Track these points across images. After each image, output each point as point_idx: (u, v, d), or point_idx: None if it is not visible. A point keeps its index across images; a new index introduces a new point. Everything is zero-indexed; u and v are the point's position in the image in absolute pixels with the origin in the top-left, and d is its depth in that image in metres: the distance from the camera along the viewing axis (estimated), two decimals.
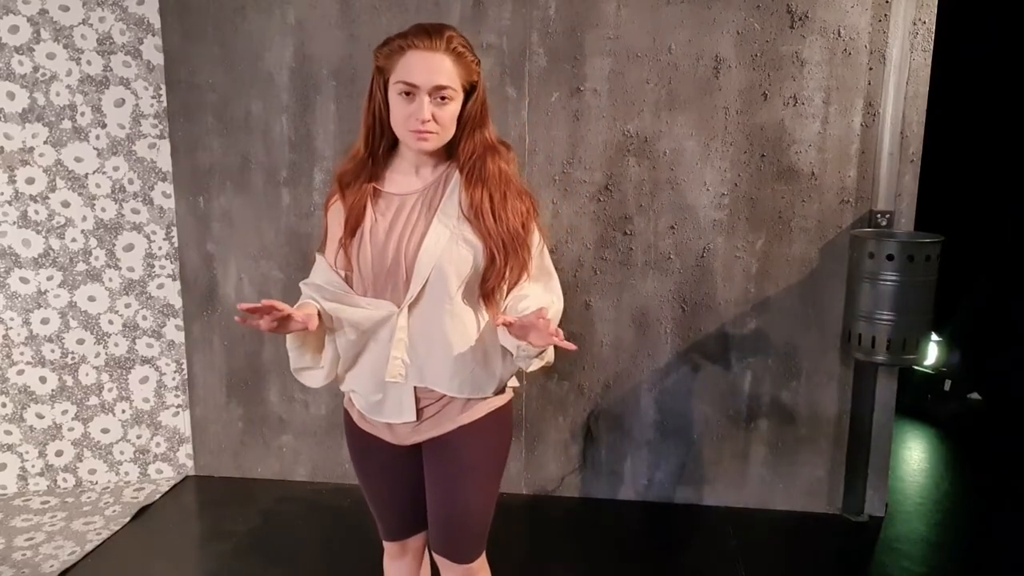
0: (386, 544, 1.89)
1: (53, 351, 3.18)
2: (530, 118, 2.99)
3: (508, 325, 1.50)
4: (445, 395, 1.65)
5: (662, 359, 3.10)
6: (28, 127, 3.03)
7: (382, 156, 1.66)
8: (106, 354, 3.24)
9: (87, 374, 3.23)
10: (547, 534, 2.99)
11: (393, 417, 1.67)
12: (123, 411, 3.30)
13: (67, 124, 3.06)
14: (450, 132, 1.59)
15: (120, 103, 3.10)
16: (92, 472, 3.30)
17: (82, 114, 3.07)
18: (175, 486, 3.32)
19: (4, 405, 3.17)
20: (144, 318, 3.25)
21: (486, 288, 1.63)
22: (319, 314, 1.61)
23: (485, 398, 1.68)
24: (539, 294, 1.66)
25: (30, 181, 3.06)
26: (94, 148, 3.10)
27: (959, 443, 3.93)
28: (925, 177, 2.91)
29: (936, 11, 2.77)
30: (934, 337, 4.14)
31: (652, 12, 2.87)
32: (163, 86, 3.13)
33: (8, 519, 3.02)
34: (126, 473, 3.34)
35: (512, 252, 1.61)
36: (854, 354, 2.87)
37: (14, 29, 2.95)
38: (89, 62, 3.04)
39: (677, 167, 2.96)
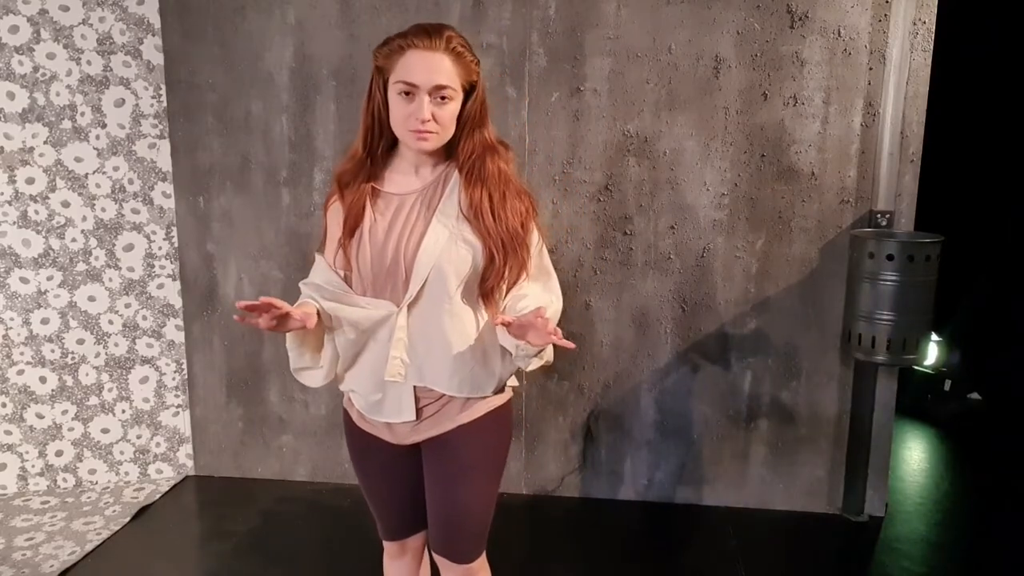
0: (386, 544, 1.89)
1: (53, 351, 3.18)
2: (530, 118, 2.99)
3: (507, 324, 1.50)
4: (444, 394, 1.66)
5: (662, 359, 3.10)
6: (28, 127, 3.03)
7: (381, 156, 1.66)
8: (106, 354, 3.24)
9: (87, 374, 3.23)
10: (547, 534, 2.99)
11: (392, 416, 1.67)
12: (123, 411, 3.30)
13: (67, 124, 3.06)
14: (449, 132, 1.59)
15: (120, 103, 3.10)
16: (92, 472, 3.30)
17: (82, 114, 3.07)
18: (175, 486, 3.32)
19: (4, 405, 3.17)
20: (144, 318, 3.25)
21: (485, 288, 1.63)
22: (318, 313, 1.61)
23: (484, 397, 1.68)
24: (538, 293, 1.66)
25: (30, 181, 3.06)
26: (94, 148, 3.10)
27: (959, 443, 3.93)
28: (925, 177, 2.91)
29: (936, 11, 2.77)
30: (934, 337, 4.14)
31: (652, 12, 2.87)
32: (163, 86, 3.13)
33: (8, 519, 3.02)
34: (126, 473, 3.34)
35: (511, 252, 1.61)
36: (854, 354, 2.87)
37: (14, 29, 2.95)
38: (89, 62, 3.05)
39: (677, 167, 2.96)
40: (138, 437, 3.33)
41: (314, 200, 3.13)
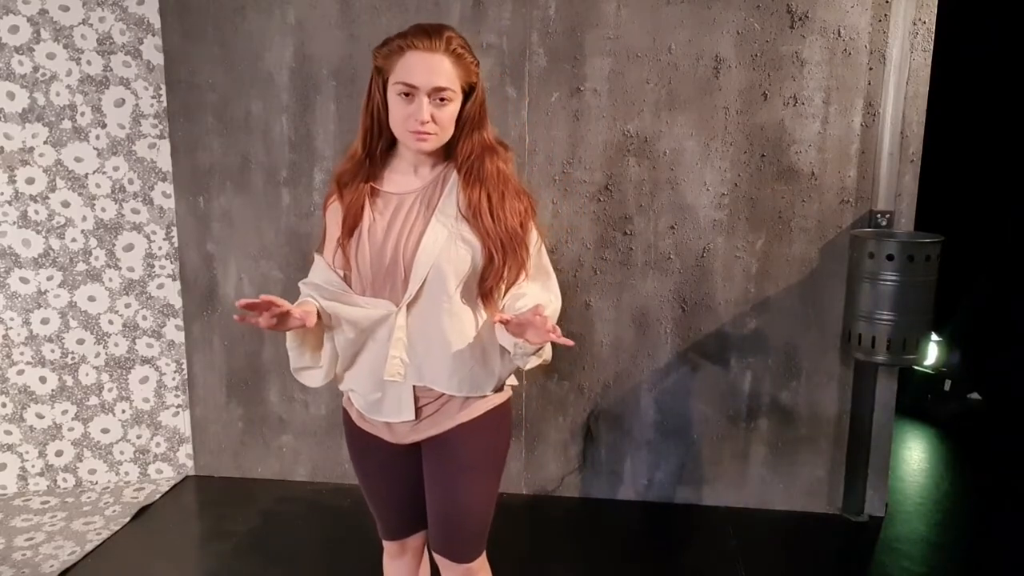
0: (385, 543, 1.89)
1: (53, 351, 3.18)
2: (530, 118, 2.99)
3: (505, 323, 1.50)
4: (444, 394, 1.66)
5: (662, 359, 3.10)
6: (28, 127, 3.03)
7: (380, 156, 1.66)
8: (106, 354, 3.24)
9: (87, 374, 3.23)
10: (547, 534, 2.99)
11: (392, 416, 1.67)
12: (123, 411, 3.30)
13: (67, 124, 3.06)
14: (449, 132, 1.60)
15: (120, 103, 3.10)
16: (92, 472, 3.30)
17: (82, 114, 3.07)
18: (175, 486, 3.32)
19: (4, 405, 3.17)
20: (144, 318, 3.25)
21: (484, 287, 1.63)
22: (318, 313, 1.61)
23: (483, 396, 1.68)
24: (537, 293, 1.67)
25: (30, 181, 3.07)
26: (94, 148, 3.10)
27: (959, 443, 3.93)
28: (925, 177, 2.91)
29: (936, 11, 2.77)
30: (934, 337, 4.14)
31: (652, 12, 2.87)
32: (163, 86, 3.13)
33: (8, 519, 3.02)
34: (126, 473, 3.34)
35: (510, 252, 1.61)
36: (854, 354, 2.87)
37: (14, 29, 2.95)
38: (89, 62, 3.05)
39: (677, 167, 2.96)
40: (138, 437, 3.33)
41: (314, 200, 3.13)
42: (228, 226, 3.21)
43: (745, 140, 2.92)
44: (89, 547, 2.81)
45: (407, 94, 1.53)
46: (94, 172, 3.12)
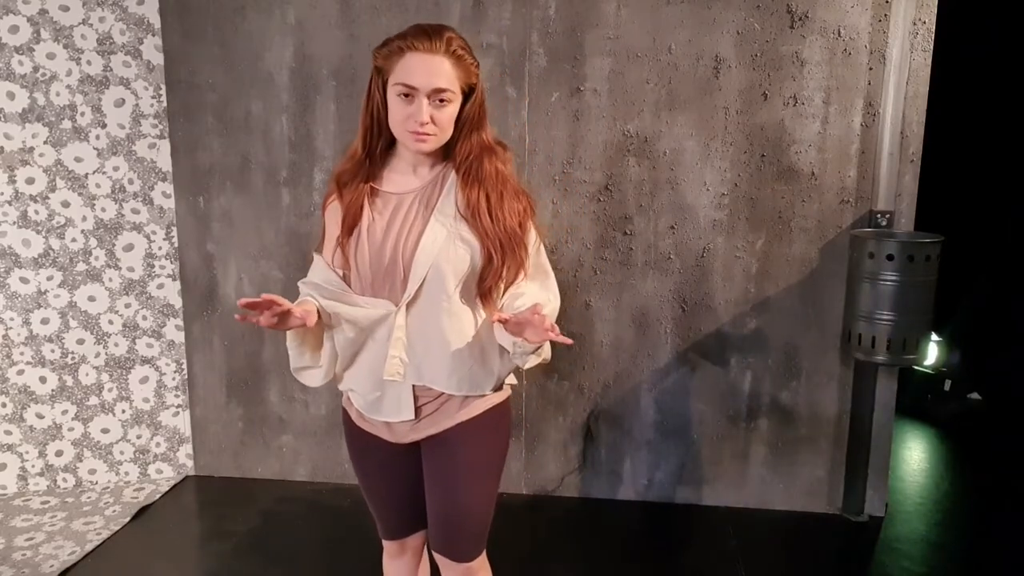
0: (385, 543, 1.89)
1: (53, 351, 3.18)
2: (530, 118, 2.99)
3: (504, 322, 1.50)
4: (443, 393, 1.66)
5: (662, 359, 3.10)
6: (28, 127, 3.03)
7: (380, 155, 1.66)
8: (106, 354, 3.24)
9: (87, 374, 3.23)
10: (547, 534, 2.99)
11: (392, 415, 1.68)
12: (123, 411, 3.30)
13: (67, 124, 3.06)
14: (448, 133, 1.60)
15: (120, 103, 3.10)
16: (92, 472, 3.30)
17: (82, 114, 3.07)
18: (175, 486, 3.32)
19: (4, 405, 3.17)
20: (144, 318, 3.25)
21: (483, 287, 1.63)
22: (318, 312, 1.61)
23: (483, 396, 1.69)
24: (535, 292, 1.67)
25: (30, 181, 3.07)
26: (94, 148, 3.10)
27: (959, 443, 3.93)
28: (925, 177, 2.91)
29: (936, 11, 2.77)
30: (934, 337, 4.14)
31: (652, 12, 2.87)
32: (163, 86, 3.13)
33: (8, 519, 3.02)
34: (126, 473, 3.34)
35: (509, 251, 1.61)
36: (854, 354, 2.87)
37: (14, 29, 2.95)
38: (89, 62, 3.05)
39: (677, 167, 2.96)
40: (138, 437, 3.33)
41: (314, 200, 3.13)
42: (228, 226, 3.21)
43: (745, 140, 2.92)
44: (89, 547, 2.81)
45: (407, 95, 1.53)
46: (94, 172, 3.12)
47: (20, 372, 3.16)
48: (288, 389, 3.30)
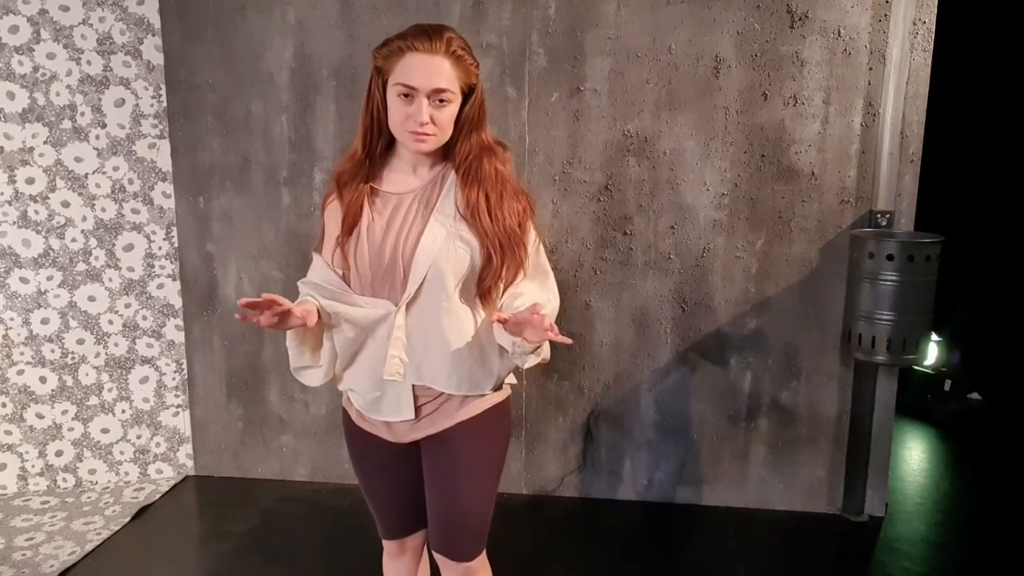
0: (385, 543, 1.89)
1: (53, 351, 3.18)
2: (530, 118, 2.99)
3: (503, 322, 1.50)
4: (443, 392, 1.66)
5: (662, 359, 3.10)
6: (28, 127, 3.03)
7: (379, 156, 1.66)
8: (106, 354, 3.24)
9: (87, 374, 3.23)
10: (547, 534, 2.99)
11: (391, 415, 1.68)
12: (123, 411, 3.30)
13: (67, 124, 3.06)
14: (448, 133, 1.60)
15: (120, 103, 3.10)
16: (92, 472, 3.30)
17: (82, 114, 3.07)
18: (175, 486, 3.32)
19: (4, 405, 3.17)
20: (144, 318, 3.25)
21: (483, 287, 1.63)
22: (318, 311, 1.61)
23: (482, 395, 1.69)
24: (534, 292, 1.67)
25: (30, 181, 3.07)
26: (94, 148, 3.10)
27: (959, 443, 3.93)
28: (925, 177, 2.91)
29: (936, 11, 2.77)
30: (934, 337, 4.14)
31: (652, 12, 2.87)
32: (163, 86, 3.13)
33: (8, 519, 3.02)
34: (126, 473, 3.34)
35: (508, 251, 1.61)
36: (854, 354, 2.87)
37: (14, 29, 2.95)
38: (89, 62, 3.05)
39: (677, 167, 2.96)
40: (138, 437, 3.33)
41: (314, 200, 3.13)
42: (228, 226, 3.21)
43: (745, 140, 2.92)
44: (89, 547, 2.81)
45: (407, 95, 1.53)
46: (94, 172, 3.12)
47: (20, 372, 3.16)
48: (288, 389, 3.30)
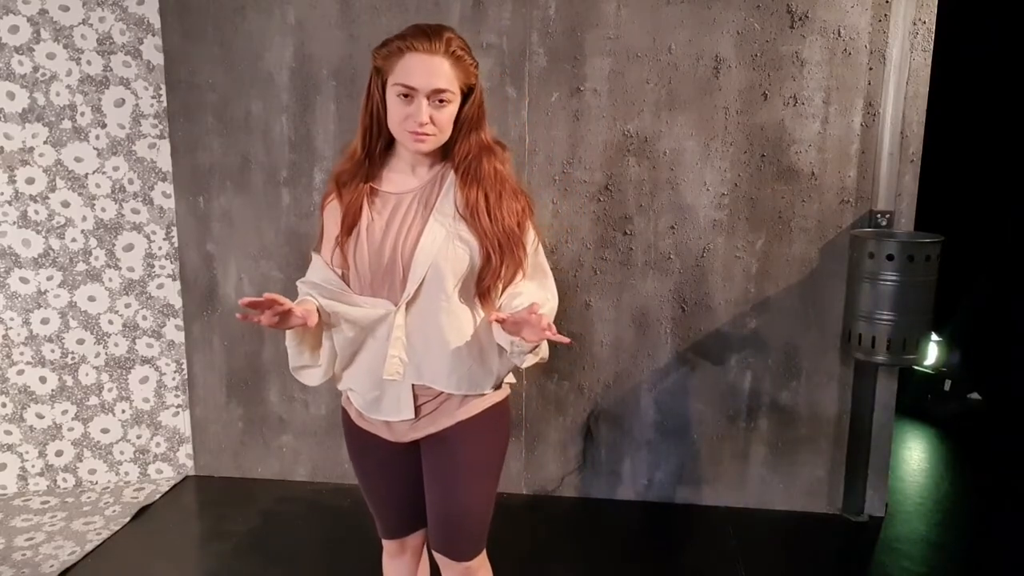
0: (385, 542, 1.89)
1: (53, 351, 3.18)
2: (530, 118, 2.99)
3: (501, 321, 1.50)
4: (442, 392, 1.66)
5: (662, 359, 3.10)
6: (28, 127, 3.03)
7: (379, 155, 1.66)
8: (106, 354, 3.24)
9: (87, 374, 3.23)
10: (547, 534, 2.99)
11: (391, 415, 1.68)
12: (123, 411, 3.30)
13: (67, 124, 3.06)
14: (447, 133, 1.60)
15: (120, 103, 3.10)
16: (92, 472, 3.30)
17: (82, 114, 3.07)
18: (175, 486, 3.32)
19: (4, 405, 3.17)
20: (144, 318, 3.25)
21: (482, 287, 1.64)
22: (318, 311, 1.61)
23: (482, 395, 1.69)
24: (533, 291, 1.67)
25: (30, 181, 3.07)
26: (94, 148, 3.10)
27: (959, 443, 3.93)
28: (925, 177, 2.91)
29: (936, 11, 2.77)
30: (934, 337, 4.14)
31: (652, 12, 2.87)
32: (163, 86, 3.13)
33: (8, 519, 3.02)
34: (126, 473, 3.34)
35: (508, 251, 1.62)
36: (854, 354, 2.87)
37: (14, 29, 2.95)
38: (89, 62, 3.05)
39: (677, 167, 2.96)
40: (138, 437, 3.33)
41: (314, 200, 3.13)
42: (228, 226, 3.21)
43: (745, 140, 2.92)
44: (89, 547, 2.81)
45: (406, 95, 1.54)
46: (94, 172, 3.12)
47: (20, 372, 3.16)
48: (288, 389, 3.30)
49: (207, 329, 3.30)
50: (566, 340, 1.44)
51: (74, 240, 3.14)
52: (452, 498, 1.70)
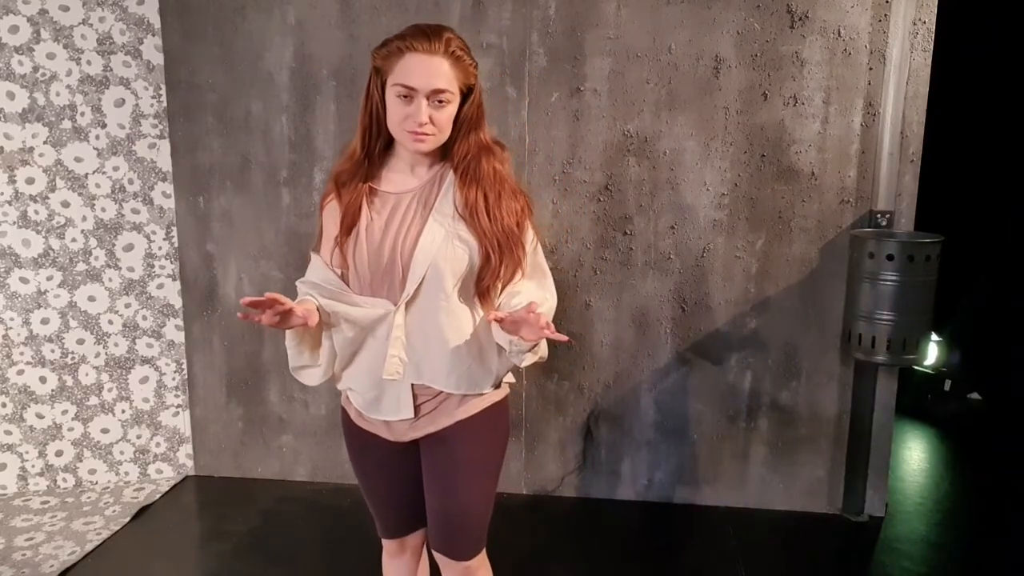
0: (385, 542, 1.89)
1: (53, 351, 3.18)
2: (530, 118, 2.99)
3: (499, 321, 1.50)
4: (442, 391, 1.66)
5: (662, 359, 3.10)
6: (28, 127, 3.03)
7: (378, 155, 1.66)
8: (106, 354, 3.24)
9: (87, 374, 3.23)
10: (547, 534, 2.99)
11: (390, 414, 1.68)
12: (123, 411, 3.30)
13: (67, 124, 3.07)
14: (446, 133, 1.60)
15: (120, 103, 3.10)
16: (92, 472, 3.30)
17: (82, 114, 3.07)
18: (175, 486, 3.32)
19: (4, 405, 3.17)
20: (144, 318, 3.25)
21: (481, 286, 1.64)
22: (318, 311, 1.61)
23: (481, 394, 1.69)
24: (532, 291, 1.67)
25: (30, 181, 3.07)
26: (94, 148, 3.11)
27: (959, 443, 3.93)
28: (925, 177, 2.91)
29: (936, 11, 2.77)
30: (934, 337, 4.14)
31: (652, 12, 2.87)
32: (163, 86, 3.13)
33: (8, 519, 3.02)
34: (126, 473, 3.34)
35: (507, 251, 1.62)
36: (854, 354, 2.87)
37: (14, 29, 2.96)
38: (89, 62, 3.05)
39: (677, 167, 2.96)
40: (138, 437, 3.33)
41: (314, 200, 3.13)
42: (228, 226, 3.21)
43: (745, 140, 2.92)
44: (89, 547, 2.81)
45: (406, 95, 1.54)
46: (94, 172, 3.12)
47: (20, 372, 3.16)
48: (288, 389, 3.30)
49: (207, 329, 3.30)
50: (565, 338, 1.45)
51: (74, 240, 3.14)
52: (452, 497, 1.70)
